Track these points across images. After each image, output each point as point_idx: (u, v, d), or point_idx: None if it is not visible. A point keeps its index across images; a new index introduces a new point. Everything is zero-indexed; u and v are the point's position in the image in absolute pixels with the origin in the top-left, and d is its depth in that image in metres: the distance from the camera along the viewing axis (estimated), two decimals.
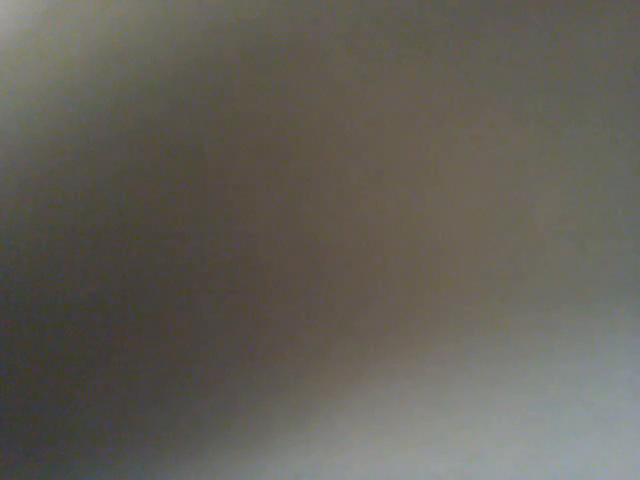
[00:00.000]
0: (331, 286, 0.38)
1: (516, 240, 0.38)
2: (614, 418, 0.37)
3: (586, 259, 0.37)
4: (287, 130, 0.38)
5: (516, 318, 0.37)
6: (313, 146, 0.38)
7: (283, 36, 0.38)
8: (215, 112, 0.38)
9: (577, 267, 0.37)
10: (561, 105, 0.38)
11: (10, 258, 0.38)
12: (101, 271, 0.38)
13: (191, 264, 0.38)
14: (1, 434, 0.38)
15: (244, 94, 0.38)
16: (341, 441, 0.37)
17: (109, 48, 0.38)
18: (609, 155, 0.38)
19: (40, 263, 0.38)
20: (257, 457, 0.37)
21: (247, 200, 0.38)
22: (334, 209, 0.38)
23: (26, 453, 0.38)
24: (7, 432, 0.38)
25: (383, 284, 0.38)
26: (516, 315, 0.37)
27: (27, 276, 0.38)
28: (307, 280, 0.38)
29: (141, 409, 0.38)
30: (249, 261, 0.38)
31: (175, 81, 0.38)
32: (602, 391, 0.37)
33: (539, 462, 0.37)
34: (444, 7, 0.38)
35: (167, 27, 0.38)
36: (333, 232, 0.38)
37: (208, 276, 0.38)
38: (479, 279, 0.38)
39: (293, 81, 0.38)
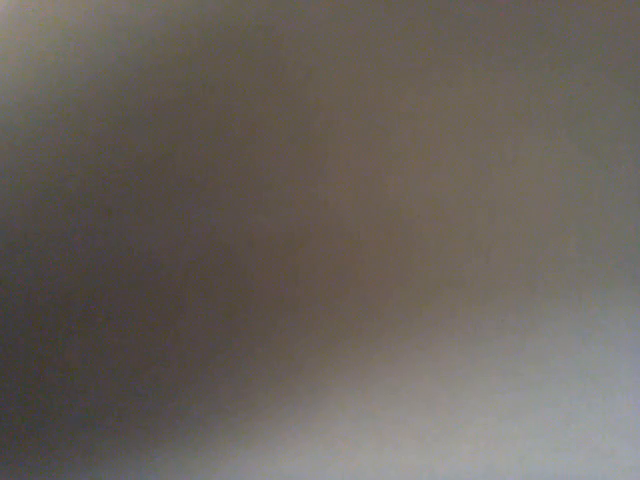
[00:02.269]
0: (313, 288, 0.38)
1: (510, 228, 0.38)
2: (595, 369, 0.37)
3: (576, 246, 0.38)
4: (276, 115, 0.38)
5: (503, 294, 0.38)
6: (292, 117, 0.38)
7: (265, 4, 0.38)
8: (216, 101, 0.38)
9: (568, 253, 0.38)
10: (557, 95, 0.38)
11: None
12: (92, 259, 0.38)
13: (187, 257, 0.38)
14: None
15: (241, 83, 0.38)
16: (328, 436, 0.37)
17: (104, 46, 0.38)
18: (608, 144, 0.38)
19: (31, 252, 0.38)
20: (250, 452, 0.37)
21: (248, 195, 0.38)
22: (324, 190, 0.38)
23: (21, 448, 0.38)
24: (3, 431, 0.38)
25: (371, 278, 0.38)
26: (503, 291, 0.38)
27: (18, 267, 0.38)
28: (310, 279, 0.38)
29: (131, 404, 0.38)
30: (247, 257, 0.38)
31: (164, 62, 0.38)
32: (584, 344, 0.37)
33: (521, 414, 0.37)
34: None
35: (158, 14, 0.38)
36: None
37: (205, 269, 0.38)
38: (471, 267, 0.38)
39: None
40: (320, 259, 0.38)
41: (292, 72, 0.38)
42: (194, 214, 0.38)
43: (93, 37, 0.37)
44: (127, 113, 0.37)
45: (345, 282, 0.38)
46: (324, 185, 0.38)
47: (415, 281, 0.38)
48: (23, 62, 0.37)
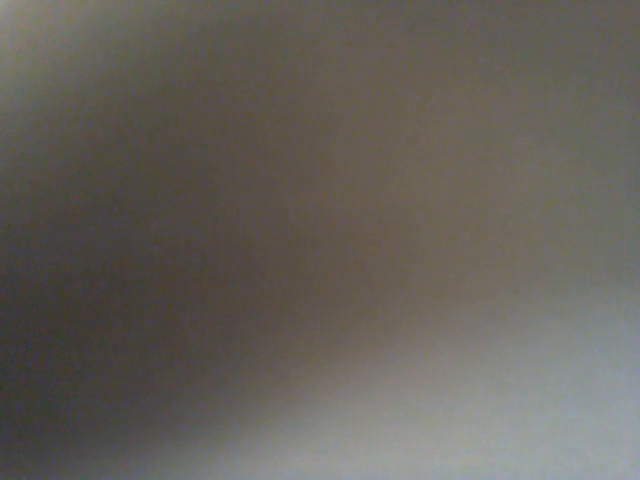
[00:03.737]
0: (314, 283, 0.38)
1: (508, 235, 0.38)
2: (590, 380, 0.37)
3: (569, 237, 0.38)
4: (268, 108, 0.38)
5: (492, 293, 0.37)
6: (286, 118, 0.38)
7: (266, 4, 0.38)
8: (204, 94, 0.38)
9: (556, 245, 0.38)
10: (549, 79, 0.38)
11: None
12: (85, 254, 0.38)
13: (185, 263, 0.38)
14: None
15: (233, 75, 0.38)
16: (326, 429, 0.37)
17: (103, 39, 0.38)
18: (606, 148, 0.38)
19: (24, 243, 0.38)
20: (244, 461, 0.37)
21: (247, 199, 0.38)
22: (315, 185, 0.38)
23: (19, 449, 0.38)
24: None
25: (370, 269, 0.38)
26: (493, 290, 0.37)
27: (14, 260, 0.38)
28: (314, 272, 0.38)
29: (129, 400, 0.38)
30: (247, 250, 0.38)
31: (164, 61, 0.38)
32: (579, 355, 0.37)
33: (515, 426, 0.37)
34: None
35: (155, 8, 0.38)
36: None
37: (203, 276, 0.38)
38: (462, 261, 0.38)
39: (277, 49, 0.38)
40: (319, 264, 0.38)
41: (292, 77, 0.38)
42: (194, 218, 0.38)
43: (92, 38, 0.38)
44: (127, 115, 0.38)
45: (343, 289, 0.38)
46: (325, 189, 0.38)
47: (412, 289, 0.38)
48: (21, 67, 0.37)
